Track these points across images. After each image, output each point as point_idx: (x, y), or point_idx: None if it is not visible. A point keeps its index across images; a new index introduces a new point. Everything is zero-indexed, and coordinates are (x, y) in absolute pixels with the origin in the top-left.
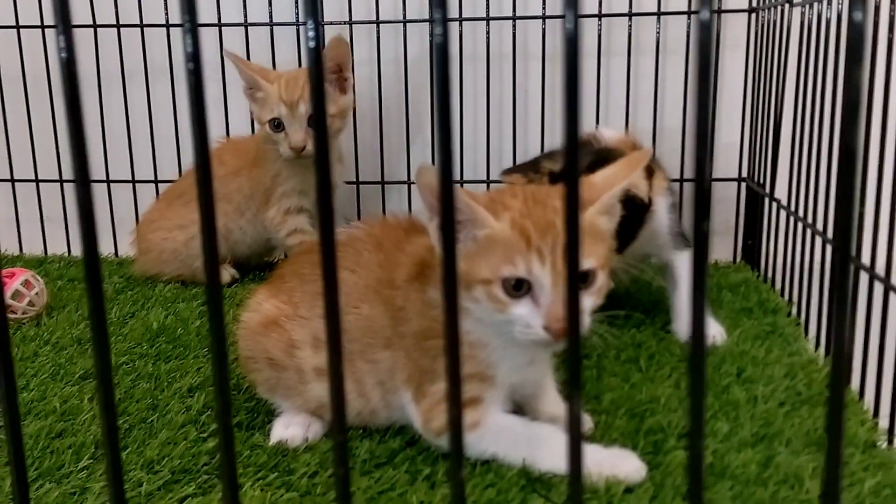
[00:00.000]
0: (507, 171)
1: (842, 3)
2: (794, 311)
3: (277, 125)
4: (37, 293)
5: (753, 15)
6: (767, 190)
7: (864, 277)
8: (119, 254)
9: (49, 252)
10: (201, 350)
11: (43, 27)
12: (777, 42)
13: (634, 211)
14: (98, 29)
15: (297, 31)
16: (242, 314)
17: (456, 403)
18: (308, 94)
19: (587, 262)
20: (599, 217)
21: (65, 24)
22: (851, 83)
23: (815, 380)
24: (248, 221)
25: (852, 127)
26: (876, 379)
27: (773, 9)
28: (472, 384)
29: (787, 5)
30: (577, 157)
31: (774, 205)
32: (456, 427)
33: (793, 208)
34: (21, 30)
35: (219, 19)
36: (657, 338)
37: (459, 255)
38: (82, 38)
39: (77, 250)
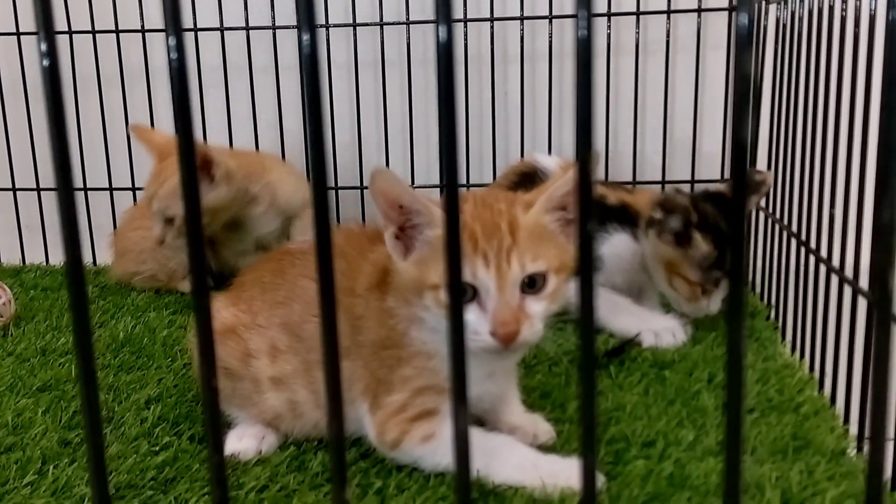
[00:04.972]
0: None
1: (813, 1)
2: (773, 314)
3: None
4: (3, 303)
5: (734, 13)
6: None
7: (834, 280)
8: (97, 262)
9: (27, 261)
10: (165, 360)
11: (18, 34)
12: (755, 40)
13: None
14: (73, 35)
15: (274, 34)
16: None
17: (335, 395)
18: (160, 193)
19: (535, 265)
20: (546, 218)
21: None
22: (740, 73)
23: (788, 385)
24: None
25: (743, 119)
26: (846, 385)
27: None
28: (428, 396)
29: (763, 3)
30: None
31: (753, 207)
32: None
33: (771, 210)
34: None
35: (195, 23)
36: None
37: (412, 260)
38: (59, 45)
39: (54, 259)
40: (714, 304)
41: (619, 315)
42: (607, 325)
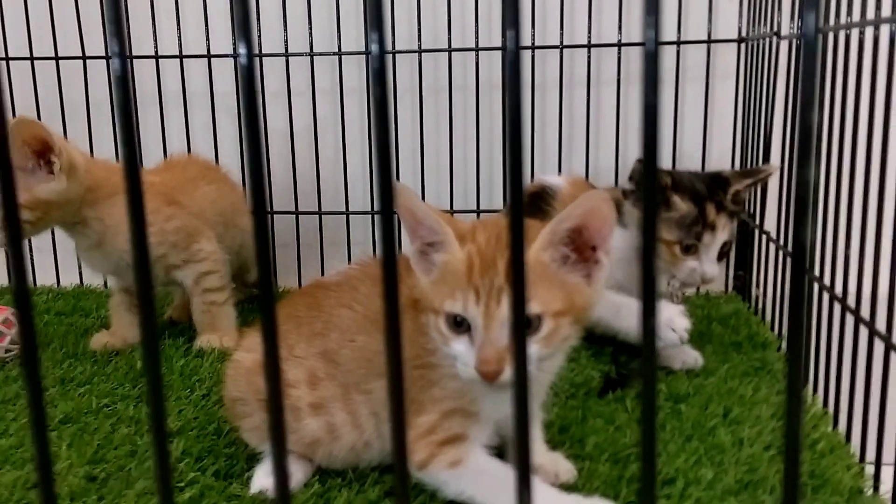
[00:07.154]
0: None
1: (827, 38)
2: (784, 345)
3: None
4: (18, 332)
5: (743, 45)
6: (757, 221)
7: (850, 320)
8: (108, 285)
9: (38, 284)
10: (184, 391)
11: (32, 59)
12: (766, 73)
13: None
14: (87, 60)
15: (287, 62)
16: (235, 353)
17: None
18: None
19: (525, 308)
20: (548, 256)
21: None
22: (800, 181)
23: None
24: None
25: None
26: (862, 421)
27: (762, 40)
28: (456, 420)
29: (775, 37)
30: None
31: (764, 237)
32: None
33: (781, 241)
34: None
35: (208, 50)
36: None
37: (431, 280)
38: (73, 70)
39: (66, 282)
40: (708, 266)
41: (621, 315)
42: (611, 326)
